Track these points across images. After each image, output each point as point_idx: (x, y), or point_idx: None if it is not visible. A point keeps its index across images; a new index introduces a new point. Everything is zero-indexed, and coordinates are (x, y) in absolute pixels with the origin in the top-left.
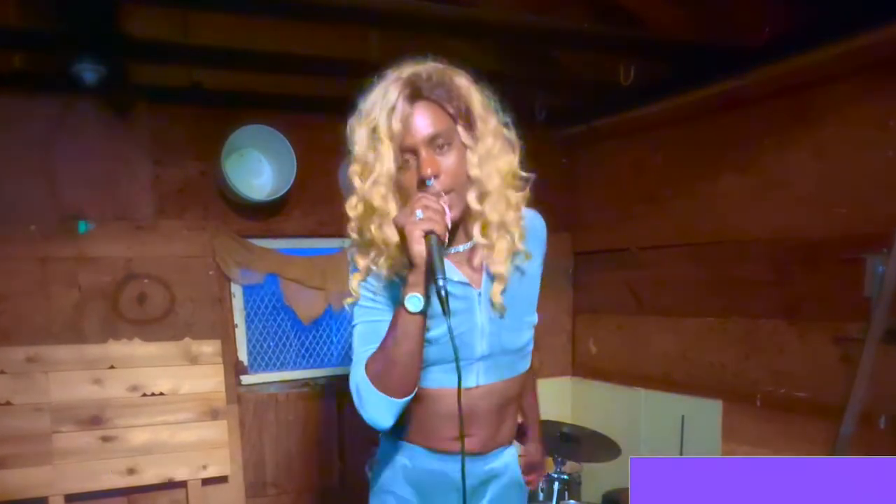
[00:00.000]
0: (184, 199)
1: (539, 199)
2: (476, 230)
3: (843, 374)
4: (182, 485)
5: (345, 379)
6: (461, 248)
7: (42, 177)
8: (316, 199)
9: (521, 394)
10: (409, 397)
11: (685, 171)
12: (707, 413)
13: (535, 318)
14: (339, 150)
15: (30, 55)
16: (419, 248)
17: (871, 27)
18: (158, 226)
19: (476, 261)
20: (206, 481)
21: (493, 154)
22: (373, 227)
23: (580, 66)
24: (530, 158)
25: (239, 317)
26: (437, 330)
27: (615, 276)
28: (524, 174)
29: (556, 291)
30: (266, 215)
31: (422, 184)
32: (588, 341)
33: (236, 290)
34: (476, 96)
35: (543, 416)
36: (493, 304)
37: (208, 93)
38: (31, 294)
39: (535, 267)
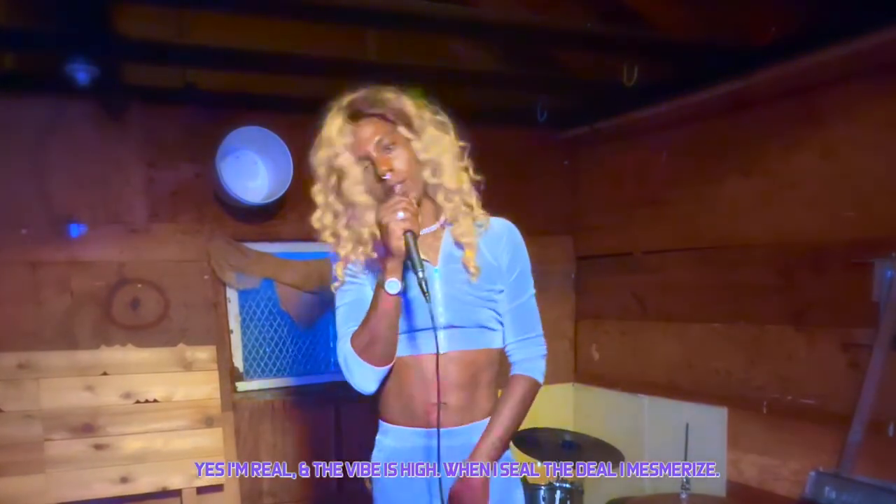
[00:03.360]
0: (178, 202)
1: (540, 202)
2: (440, 199)
3: (852, 381)
4: (176, 493)
5: (343, 386)
6: (430, 229)
7: (33, 179)
8: (313, 202)
9: (496, 372)
10: (388, 366)
11: (690, 174)
12: (712, 420)
13: (491, 297)
14: None
15: (21, 55)
16: (399, 244)
17: (880, 27)
18: (152, 229)
19: (439, 241)
20: (201, 490)
21: (435, 138)
22: (343, 226)
23: (582, 67)
24: (532, 160)
25: (234, 322)
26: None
27: (618, 281)
28: (462, 144)
29: (558, 296)
30: (262, 218)
31: (380, 179)
32: (590, 347)
33: (231, 295)
34: (405, 100)
35: (544, 424)
36: (467, 270)
37: (203, 93)
38: (22, 299)
39: (497, 259)
